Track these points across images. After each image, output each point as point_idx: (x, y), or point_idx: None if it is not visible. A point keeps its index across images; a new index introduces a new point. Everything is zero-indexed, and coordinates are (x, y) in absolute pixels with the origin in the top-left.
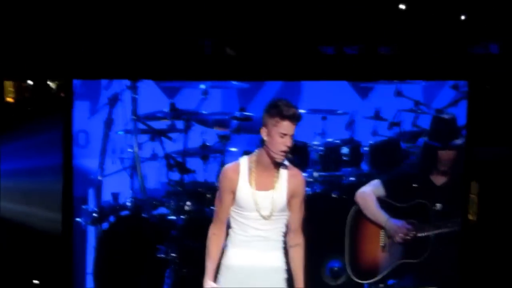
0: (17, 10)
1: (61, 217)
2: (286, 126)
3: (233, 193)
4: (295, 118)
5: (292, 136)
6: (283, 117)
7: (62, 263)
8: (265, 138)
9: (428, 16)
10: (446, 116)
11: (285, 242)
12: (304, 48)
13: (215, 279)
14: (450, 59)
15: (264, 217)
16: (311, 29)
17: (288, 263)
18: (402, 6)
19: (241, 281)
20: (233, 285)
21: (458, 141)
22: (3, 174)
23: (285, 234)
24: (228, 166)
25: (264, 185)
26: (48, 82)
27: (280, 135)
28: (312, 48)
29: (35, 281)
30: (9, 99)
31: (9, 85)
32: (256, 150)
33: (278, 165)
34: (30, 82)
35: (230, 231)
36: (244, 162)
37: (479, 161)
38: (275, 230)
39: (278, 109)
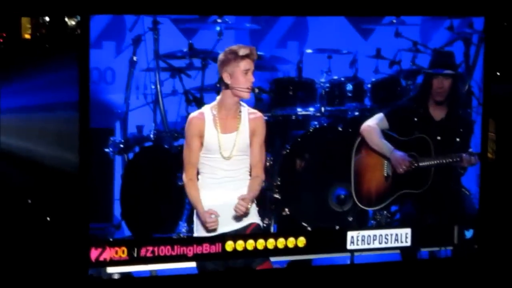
0: None
1: (79, 149)
2: (247, 63)
3: (201, 138)
4: (253, 55)
5: (253, 72)
6: (243, 56)
7: (83, 190)
8: (228, 82)
9: None
10: (444, 50)
11: None
12: None
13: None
14: None
15: (226, 158)
16: None
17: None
18: None
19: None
20: None
21: (455, 72)
22: (20, 110)
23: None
24: (194, 115)
25: (228, 128)
26: (66, 19)
27: (243, 72)
28: None
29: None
30: (27, 36)
31: (26, 22)
32: (217, 97)
33: (239, 108)
34: (47, 18)
35: (200, 176)
36: (207, 109)
37: (495, 98)
38: (241, 170)
39: (236, 52)
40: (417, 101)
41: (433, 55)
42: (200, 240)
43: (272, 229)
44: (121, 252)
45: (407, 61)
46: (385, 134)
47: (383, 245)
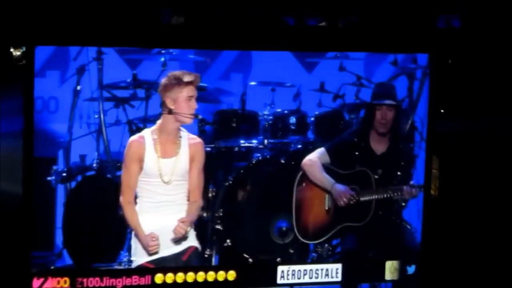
0: None
1: (22, 177)
2: (190, 90)
3: (140, 162)
4: (196, 81)
5: (196, 98)
6: (187, 83)
7: (25, 219)
8: (172, 107)
9: None
10: (386, 82)
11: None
12: (265, 18)
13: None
14: (412, 32)
15: (166, 183)
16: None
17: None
18: None
19: None
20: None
21: (397, 103)
22: None
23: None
24: (133, 138)
25: (168, 153)
26: (11, 50)
27: (187, 99)
28: (274, 18)
29: None
30: None
31: None
32: (157, 122)
33: (179, 133)
34: None
35: (138, 200)
36: (147, 133)
37: (439, 134)
38: (179, 195)
39: (180, 78)
40: (359, 134)
41: (375, 87)
42: (129, 272)
43: (213, 260)
44: (63, 282)
45: (350, 95)
46: (327, 168)
47: (313, 280)
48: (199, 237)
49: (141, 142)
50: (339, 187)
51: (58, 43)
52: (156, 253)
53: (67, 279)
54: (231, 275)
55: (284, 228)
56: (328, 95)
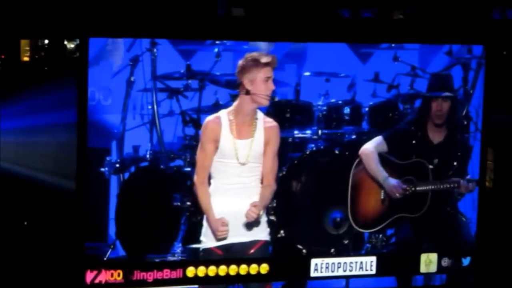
0: None
1: (76, 168)
2: (268, 71)
3: (216, 142)
4: (274, 63)
5: (273, 79)
6: (264, 64)
7: (79, 210)
8: (249, 88)
9: None
10: (442, 73)
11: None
12: (320, 10)
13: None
14: (466, 24)
15: (241, 164)
16: None
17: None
18: None
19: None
20: None
21: (453, 95)
22: (20, 131)
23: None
24: (210, 119)
25: (244, 134)
26: (65, 42)
27: (264, 79)
28: (328, 11)
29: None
30: (25, 58)
31: (25, 44)
32: (234, 103)
33: (256, 115)
34: (46, 41)
35: (212, 180)
36: (223, 114)
37: (493, 127)
38: (253, 177)
39: (258, 59)
40: (416, 124)
41: (431, 78)
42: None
43: (268, 252)
44: (117, 275)
45: (405, 85)
46: (383, 157)
47: (347, 273)
48: (271, 230)
49: (217, 122)
50: (392, 181)
51: (112, 35)
52: (224, 238)
53: (120, 271)
54: (264, 268)
55: (339, 219)
56: (382, 85)
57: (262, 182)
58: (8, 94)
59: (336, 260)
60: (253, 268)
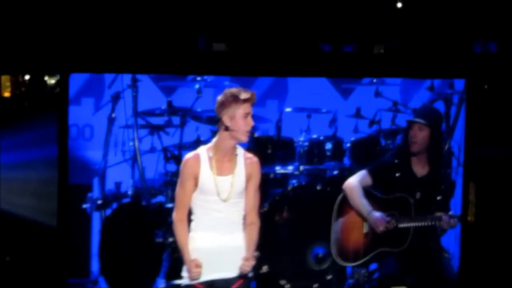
0: (15, 5)
1: (57, 205)
2: (247, 107)
3: (195, 179)
4: (253, 99)
5: (252, 116)
6: (244, 100)
7: (61, 246)
8: (228, 124)
9: (426, 15)
10: (427, 104)
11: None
12: (301, 45)
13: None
14: (448, 58)
15: (223, 200)
16: (308, 26)
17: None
18: (399, 5)
19: (209, 262)
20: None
21: (425, 122)
22: (3, 167)
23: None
24: (189, 156)
25: (224, 170)
26: (46, 78)
27: (244, 115)
28: (309, 45)
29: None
30: (6, 94)
31: (6, 80)
32: (213, 140)
33: (235, 151)
34: (27, 77)
35: (193, 217)
36: (203, 150)
37: (476, 161)
38: (235, 213)
39: (237, 95)
40: (399, 157)
41: (416, 109)
42: None
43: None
44: None
45: (387, 121)
46: (367, 191)
47: None
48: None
49: (197, 159)
50: (376, 214)
51: (93, 70)
52: (197, 278)
53: None
54: None
55: (321, 254)
56: (364, 121)
57: (244, 218)
58: None
59: None
60: None
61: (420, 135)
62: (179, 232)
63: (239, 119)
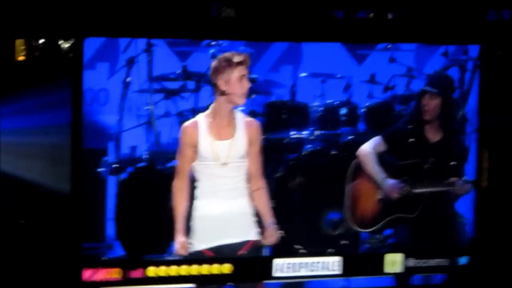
0: None
1: (71, 169)
2: (242, 69)
3: (194, 147)
4: (247, 61)
5: (248, 78)
6: (238, 63)
7: (76, 210)
8: (224, 88)
9: None
10: (439, 72)
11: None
12: (314, 11)
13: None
14: (462, 24)
15: (223, 164)
16: None
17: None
18: None
19: (215, 229)
20: (207, 232)
21: (436, 91)
22: (14, 132)
23: (247, 181)
24: (187, 124)
25: (223, 135)
26: (61, 42)
27: (239, 78)
28: (323, 11)
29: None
30: (20, 58)
31: (20, 44)
32: (211, 105)
33: (234, 115)
34: (41, 41)
35: (197, 183)
36: (201, 117)
37: (489, 128)
38: (237, 177)
39: (230, 59)
40: (413, 123)
41: (429, 75)
42: None
43: (265, 252)
44: (114, 273)
45: (401, 87)
46: (381, 158)
47: (310, 273)
48: (259, 229)
49: (195, 126)
50: (389, 181)
51: (107, 34)
52: (181, 254)
53: (118, 269)
54: (226, 268)
55: (336, 219)
56: (378, 86)
57: (249, 184)
58: (3, 94)
59: (298, 260)
60: (215, 268)
61: (432, 104)
62: (176, 201)
63: (235, 83)
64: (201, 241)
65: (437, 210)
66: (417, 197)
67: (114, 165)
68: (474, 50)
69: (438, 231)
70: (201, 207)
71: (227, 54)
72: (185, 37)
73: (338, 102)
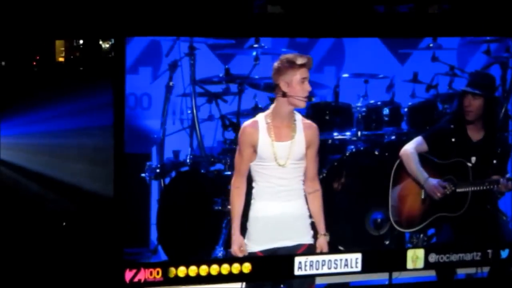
0: None
1: (114, 174)
2: (303, 72)
3: (254, 147)
4: (309, 64)
5: (309, 81)
6: (300, 65)
7: (119, 214)
8: (286, 90)
9: None
10: (481, 71)
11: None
12: (355, 6)
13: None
14: (504, 19)
15: (281, 165)
16: None
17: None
18: None
19: (270, 230)
20: (263, 234)
21: (480, 92)
22: (54, 134)
23: (304, 183)
24: (247, 123)
25: (283, 136)
26: (100, 42)
27: (301, 81)
28: (363, 7)
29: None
30: (60, 59)
31: (60, 45)
32: (271, 106)
33: (293, 116)
34: (81, 41)
35: (254, 184)
36: (261, 118)
37: None
38: (295, 179)
39: (293, 60)
40: (455, 122)
41: (469, 75)
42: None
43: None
44: (156, 273)
45: (444, 85)
46: (424, 157)
47: (332, 270)
48: (314, 233)
49: (255, 126)
50: (432, 182)
51: (147, 33)
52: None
53: (159, 270)
54: (246, 267)
55: (379, 220)
56: (421, 85)
57: (304, 186)
58: (43, 95)
59: (320, 258)
60: (235, 268)
61: (474, 104)
62: (234, 199)
63: (296, 85)
64: (256, 243)
65: (480, 209)
66: (461, 196)
67: (157, 170)
68: None
69: (482, 230)
70: (258, 208)
71: (289, 55)
72: (227, 35)
73: (381, 102)
